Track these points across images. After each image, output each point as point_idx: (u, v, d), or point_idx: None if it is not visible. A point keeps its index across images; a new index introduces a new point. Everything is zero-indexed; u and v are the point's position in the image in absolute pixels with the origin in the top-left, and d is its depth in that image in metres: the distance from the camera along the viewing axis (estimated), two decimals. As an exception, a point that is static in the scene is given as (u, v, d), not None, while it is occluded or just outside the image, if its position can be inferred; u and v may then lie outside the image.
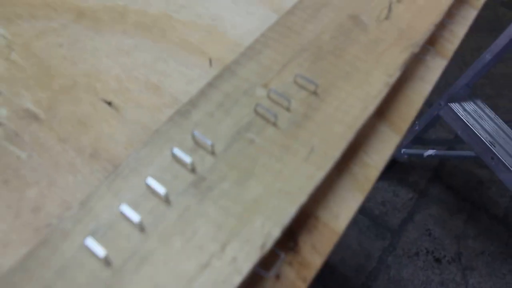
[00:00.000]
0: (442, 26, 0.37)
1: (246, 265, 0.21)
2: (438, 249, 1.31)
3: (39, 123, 0.31)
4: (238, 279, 0.21)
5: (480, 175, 1.47)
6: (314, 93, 0.28)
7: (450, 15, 0.38)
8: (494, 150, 1.08)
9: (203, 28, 0.38)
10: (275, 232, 0.22)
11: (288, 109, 0.27)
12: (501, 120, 1.13)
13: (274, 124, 0.27)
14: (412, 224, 1.36)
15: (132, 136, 0.31)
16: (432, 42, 0.35)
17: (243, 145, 0.26)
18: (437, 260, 1.29)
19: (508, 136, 1.10)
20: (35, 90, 0.33)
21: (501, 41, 1.02)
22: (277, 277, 0.24)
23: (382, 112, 0.31)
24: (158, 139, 0.26)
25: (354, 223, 1.34)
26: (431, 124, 1.27)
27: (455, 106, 1.15)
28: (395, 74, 0.30)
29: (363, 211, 1.37)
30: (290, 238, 0.25)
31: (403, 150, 1.36)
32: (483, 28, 1.93)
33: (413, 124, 0.30)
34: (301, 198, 0.23)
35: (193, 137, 0.26)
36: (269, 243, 0.22)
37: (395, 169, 1.47)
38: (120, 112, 0.32)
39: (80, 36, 0.37)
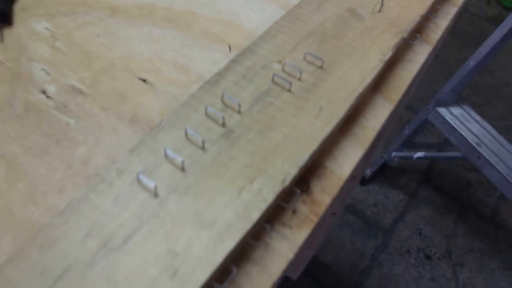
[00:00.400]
0: (427, 19, 0.43)
1: (270, 195, 0.26)
2: (429, 247, 1.36)
3: (83, 96, 0.36)
4: (264, 205, 0.26)
5: (468, 178, 1.54)
6: (321, 67, 0.34)
7: (434, 10, 0.44)
8: (480, 150, 1.14)
9: (222, 22, 0.43)
10: (293, 171, 0.27)
11: (299, 79, 0.33)
12: (486, 123, 1.20)
13: (289, 91, 0.32)
14: (403, 224, 1.41)
15: (165, 105, 0.36)
16: (419, 31, 0.41)
17: (263, 106, 0.31)
18: (428, 257, 1.34)
19: (493, 136, 1.17)
20: (78, 71, 0.38)
21: (483, 49, 1.09)
22: (294, 211, 0.29)
23: (378, 86, 0.37)
24: (193, 101, 0.31)
25: (346, 223, 1.39)
26: (420, 128, 1.34)
27: (442, 110, 1.22)
28: (388, 53, 0.36)
29: (355, 212, 1.43)
30: (304, 183, 0.30)
31: (393, 153, 1.42)
32: (469, 42, 2.03)
33: (405, 96, 0.36)
34: (313, 145, 0.29)
35: (222, 99, 0.31)
36: (288, 179, 0.27)
37: (386, 172, 1.53)
38: (154, 87, 0.37)
39: (114, 28, 0.42)
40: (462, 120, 1.20)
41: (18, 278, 0.24)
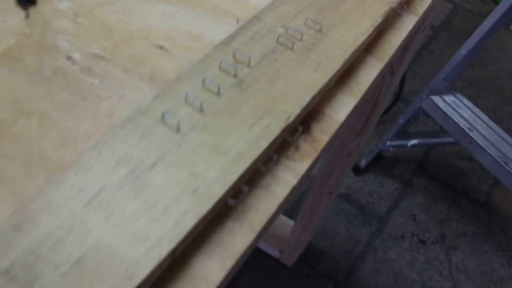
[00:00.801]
0: (415, -6, 0.48)
1: (276, 129, 0.31)
2: (423, 232, 1.41)
3: (105, 61, 0.41)
4: (271, 137, 0.31)
5: (462, 166, 1.59)
6: (319, 30, 0.39)
7: (421, -13, 0.49)
8: (471, 135, 1.19)
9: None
10: (296, 111, 0.32)
11: (301, 40, 0.38)
12: (478, 109, 1.25)
13: (292, 49, 0.37)
14: (398, 211, 1.46)
15: (180, 68, 0.40)
16: (407, 3, 0.46)
17: (270, 61, 0.36)
18: (422, 242, 1.39)
19: (484, 122, 1.22)
20: (99, 41, 0.42)
21: (474, 38, 1.14)
22: (296, 148, 0.34)
23: (370, 49, 0.41)
24: (208, 58, 0.36)
25: (342, 212, 1.44)
26: (414, 117, 1.38)
27: (436, 98, 1.27)
28: (379, 20, 0.40)
29: (350, 201, 1.47)
30: (305, 126, 0.35)
31: (388, 142, 1.47)
32: (463, 38, 2.08)
33: (397, 63, 0.41)
34: (313, 91, 0.33)
35: (234, 56, 0.36)
36: (292, 117, 0.32)
37: (381, 162, 1.58)
38: (170, 53, 0.42)
39: (131, 5, 0.46)
40: (455, 107, 1.25)
41: (58, 197, 0.29)
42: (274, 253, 1.24)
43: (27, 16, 0.44)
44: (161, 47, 0.42)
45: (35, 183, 0.32)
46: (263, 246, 1.24)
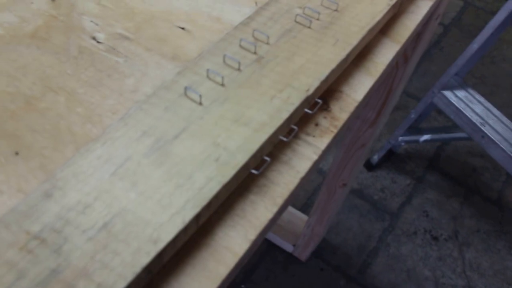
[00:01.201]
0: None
1: (296, 101, 0.32)
2: (436, 228, 1.40)
3: (129, 41, 0.42)
4: (292, 108, 0.32)
5: (474, 163, 1.58)
6: (336, 10, 0.39)
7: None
8: (484, 130, 1.19)
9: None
10: (315, 83, 0.33)
11: (318, 19, 0.38)
12: (490, 104, 1.25)
13: (309, 27, 0.38)
14: (410, 207, 1.46)
15: (202, 47, 0.41)
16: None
17: (288, 39, 0.37)
18: (435, 238, 1.38)
19: (496, 116, 1.21)
20: (123, 22, 0.44)
21: (486, 31, 1.14)
22: (316, 124, 0.34)
23: (386, 32, 0.42)
24: (229, 37, 0.37)
25: (354, 207, 1.44)
26: (425, 112, 1.38)
27: (447, 93, 1.27)
28: (394, 0, 0.41)
29: (363, 196, 1.47)
30: (324, 103, 0.36)
31: (400, 138, 1.46)
32: (474, 34, 2.07)
33: (411, 40, 0.41)
34: (332, 65, 0.34)
35: (253, 34, 0.37)
36: (312, 89, 0.33)
37: (393, 159, 1.58)
38: (191, 33, 0.43)
39: (153, -12, 0.47)
40: (467, 102, 1.25)
41: (86, 166, 0.30)
42: (288, 247, 1.25)
43: (53, -1, 0.45)
44: (183, 28, 0.43)
45: (63, 156, 0.33)
46: (277, 240, 1.25)
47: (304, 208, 1.34)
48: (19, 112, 0.35)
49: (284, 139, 0.32)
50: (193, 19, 0.44)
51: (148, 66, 0.39)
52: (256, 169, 0.31)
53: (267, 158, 0.31)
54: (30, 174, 0.31)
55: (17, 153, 0.32)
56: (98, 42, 0.42)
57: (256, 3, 0.45)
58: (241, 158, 0.29)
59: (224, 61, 0.35)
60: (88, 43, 0.41)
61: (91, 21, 0.43)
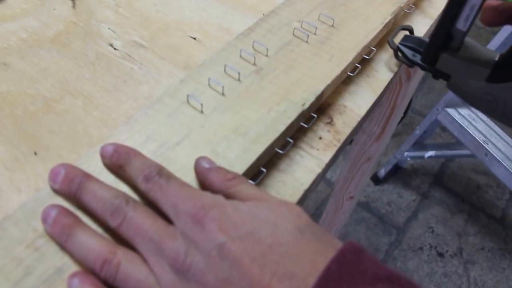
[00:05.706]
0: (423, -2, 0.51)
1: (293, 114, 0.34)
2: (441, 244, 1.40)
3: (144, 49, 0.45)
4: (288, 121, 0.34)
5: (478, 180, 1.58)
6: (332, 26, 0.42)
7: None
8: (487, 148, 1.20)
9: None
10: (311, 98, 0.36)
11: (315, 34, 0.41)
12: (492, 122, 1.26)
13: (306, 42, 0.41)
14: (416, 222, 1.46)
15: (211, 57, 0.44)
16: (415, 4, 0.50)
17: (286, 52, 0.39)
18: (440, 254, 1.38)
19: (499, 135, 1.23)
20: (139, 30, 0.47)
21: (495, 42, 1.16)
22: (320, 138, 0.37)
23: (387, 48, 0.45)
24: (230, 47, 0.40)
25: (362, 220, 1.45)
26: (430, 129, 1.40)
27: (451, 111, 1.29)
28: (387, 18, 0.44)
29: (370, 210, 1.49)
30: (328, 117, 0.38)
31: (406, 153, 1.48)
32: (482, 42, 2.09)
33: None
34: (327, 81, 0.37)
35: (253, 46, 0.40)
36: (307, 104, 0.35)
37: (399, 174, 1.59)
38: (202, 43, 0.46)
39: (168, -1, 0.51)
40: (470, 120, 1.27)
41: (93, 167, 0.31)
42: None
43: (74, 5, 0.49)
44: (194, 38, 0.46)
45: (79, 158, 0.35)
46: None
47: (313, 218, 1.35)
48: (38, 114, 0.37)
49: (280, 151, 0.34)
50: (204, 29, 0.47)
51: (161, 73, 0.42)
52: (253, 179, 0.32)
53: (263, 169, 0.33)
54: (48, 174, 0.33)
55: (35, 153, 0.35)
56: (115, 48, 0.45)
57: (264, 14, 0.48)
58: (240, 168, 0.31)
59: (225, 71, 0.38)
60: (105, 49, 0.44)
61: (109, 28, 0.46)
